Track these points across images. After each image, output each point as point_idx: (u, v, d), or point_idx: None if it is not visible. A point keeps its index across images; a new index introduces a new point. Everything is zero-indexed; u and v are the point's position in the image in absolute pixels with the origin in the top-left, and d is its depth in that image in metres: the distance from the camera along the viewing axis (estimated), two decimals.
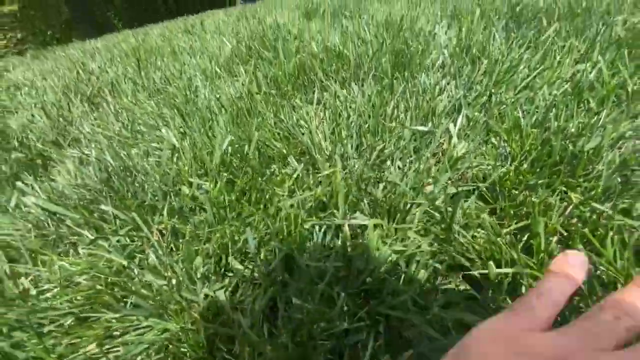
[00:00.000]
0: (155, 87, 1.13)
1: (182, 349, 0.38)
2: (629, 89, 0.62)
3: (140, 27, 4.05)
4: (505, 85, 0.73)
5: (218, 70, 1.11)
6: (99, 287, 0.46)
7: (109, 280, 0.46)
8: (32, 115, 1.12)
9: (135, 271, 0.48)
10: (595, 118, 0.58)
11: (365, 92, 0.78)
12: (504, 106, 0.67)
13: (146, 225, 0.53)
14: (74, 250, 0.55)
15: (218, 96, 0.93)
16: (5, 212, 0.67)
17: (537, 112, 0.63)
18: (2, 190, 0.74)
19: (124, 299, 0.45)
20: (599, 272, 0.37)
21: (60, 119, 1.04)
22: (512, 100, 0.68)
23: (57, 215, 0.60)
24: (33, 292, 0.46)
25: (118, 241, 0.52)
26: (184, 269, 0.44)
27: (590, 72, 0.71)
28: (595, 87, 0.66)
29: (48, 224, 0.59)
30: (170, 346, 0.39)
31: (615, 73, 0.69)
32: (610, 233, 0.38)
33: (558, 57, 0.82)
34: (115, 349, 0.40)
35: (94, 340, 0.41)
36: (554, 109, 0.62)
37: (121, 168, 0.69)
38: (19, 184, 0.70)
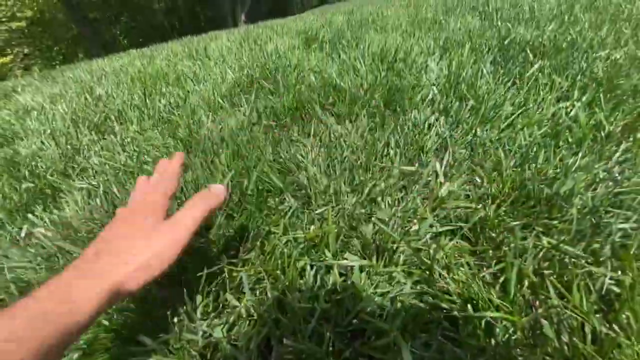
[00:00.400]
0: (160, 116, 1.19)
1: None
2: (603, 132, 0.66)
3: (145, 47, 4.18)
4: (490, 123, 0.77)
5: (220, 100, 1.16)
6: (105, 322, 0.49)
7: (114, 317, 0.49)
8: (42, 142, 1.17)
9: (139, 308, 0.51)
10: (572, 160, 0.62)
11: (358, 128, 0.82)
12: (488, 144, 0.71)
13: None
14: None
15: (220, 127, 0.97)
16: (16, 243, 0.70)
17: (518, 151, 0.67)
18: (12, 220, 0.78)
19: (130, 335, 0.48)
20: (565, 315, 0.40)
21: (69, 147, 1.09)
22: (496, 138, 0.72)
23: (66, 249, 0.63)
24: None
25: None
26: (185, 308, 0.47)
27: (570, 113, 0.76)
28: (573, 129, 0.70)
29: (57, 257, 0.62)
30: None
31: (593, 114, 0.74)
32: (577, 279, 0.41)
33: (541, 94, 0.87)
34: None
35: None
36: (534, 150, 0.66)
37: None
38: (29, 215, 0.74)
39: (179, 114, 1.15)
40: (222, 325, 0.46)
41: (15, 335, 0.24)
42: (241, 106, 1.11)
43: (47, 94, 1.93)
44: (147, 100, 1.35)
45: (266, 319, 0.45)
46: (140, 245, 0.35)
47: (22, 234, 0.73)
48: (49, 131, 1.25)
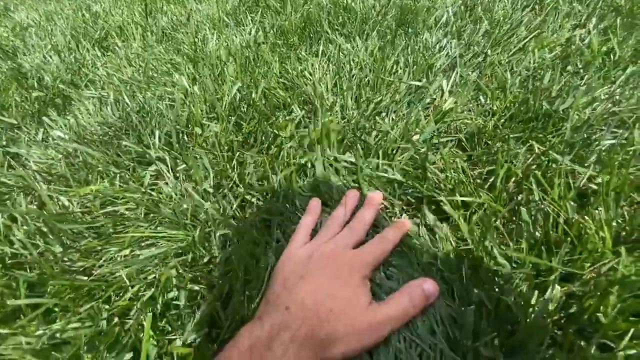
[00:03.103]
0: (163, 33, 1.15)
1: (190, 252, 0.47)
2: (613, 57, 0.66)
3: None
4: (502, 47, 0.76)
5: (226, 18, 1.12)
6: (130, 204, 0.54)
7: (136, 197, 0.54)
8: (44, 57, 1.15)
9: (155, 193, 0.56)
10: (577, 82, 0.62)
11: (368, 47, 0.81)
12: (497, 67, 0.71)
13: (162, 161, 0.60)
14: (101, 179, 0.63)
15: (226, 44, 0.96)
16: (35, 144, 0.74)
17: (524, 72, 0.67)
18: (28, 125, 0.81)
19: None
20: (545, 208, 0.44)
21: (73, 60, 1.08)
22: (506, 61, 0.72)
23: (84, 148, 0.67)
24: (74, 208, 0.55)
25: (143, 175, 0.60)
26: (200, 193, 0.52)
27: (585, 39, 0.74)
28: (584, 53, 0.69)
29: (77, 155, 0.66)
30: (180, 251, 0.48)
31: (607, 40, 0.72)
32: (560, 178, 0.45)
33: (559, 22, 0.84)
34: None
35: (128, 246, 0.50)
36: (540, 71, 0.66)
37: (137, 109, 0.75)
38: (44, 119, 0.77)
39: (183, 32, 1.12)
40: (230, 206, 0.51)
41: None
42: (247, 25, 1.08)
43: (42, 11, 1.83)
44: (149, 18, 1.29)
45: (270, 209, 0.49)
46: (354, 335, 0.27)
47: (39, 137, 0.76)
48: (50, 46, 1.22)
